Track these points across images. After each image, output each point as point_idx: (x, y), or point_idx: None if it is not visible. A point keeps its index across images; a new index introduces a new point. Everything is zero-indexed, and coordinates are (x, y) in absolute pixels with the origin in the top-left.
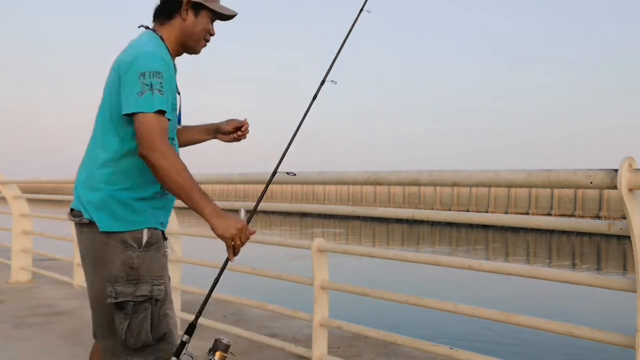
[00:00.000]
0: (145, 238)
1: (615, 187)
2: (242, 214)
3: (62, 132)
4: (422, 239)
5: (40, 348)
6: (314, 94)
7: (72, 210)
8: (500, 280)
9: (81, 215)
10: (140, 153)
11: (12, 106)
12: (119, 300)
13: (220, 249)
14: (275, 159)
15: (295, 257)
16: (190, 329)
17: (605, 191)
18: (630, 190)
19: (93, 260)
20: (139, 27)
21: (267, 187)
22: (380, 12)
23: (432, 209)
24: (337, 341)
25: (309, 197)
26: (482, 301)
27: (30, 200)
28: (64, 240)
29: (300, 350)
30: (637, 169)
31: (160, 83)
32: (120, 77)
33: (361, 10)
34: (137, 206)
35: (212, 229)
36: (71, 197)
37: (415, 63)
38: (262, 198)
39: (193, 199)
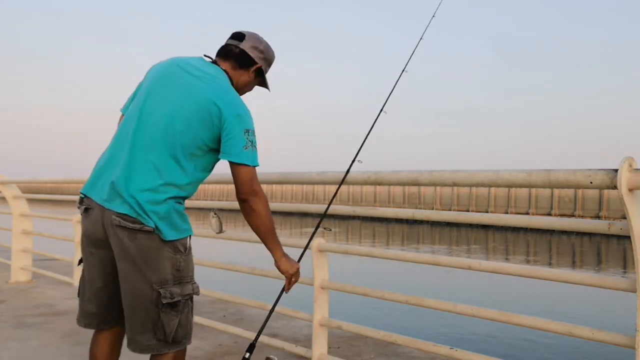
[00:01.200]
0: (188, 243)
1: (615, 187)
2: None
3: (62, 133)
4: (422, 239)
5: (40, 348)
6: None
7: (121, 214)
8: (500, 280)
9: (138, 222)
10: (241, 197)
11: (12, 106)
12: (174, 300)
13: (218, 249)
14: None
15: (296, 257)
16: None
17: (605, 191)
18: (630, 190)
19: (144, 264)
20: (204, 55)
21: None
22: (379, 12)
23: (432, 209)
24: (337, 341)
25: (309, 197)
26: (482, 301)
27: (30, 200)
28: (64, 240)
29: (300, 350)
30: (637, 169)
31: (256, 141)
32: (215, 120)
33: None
34: (186, 216)
35: (278, 265)
36: (71, 197)
37: (415, 63)
38: (334, 198)
39: (273, 241)
